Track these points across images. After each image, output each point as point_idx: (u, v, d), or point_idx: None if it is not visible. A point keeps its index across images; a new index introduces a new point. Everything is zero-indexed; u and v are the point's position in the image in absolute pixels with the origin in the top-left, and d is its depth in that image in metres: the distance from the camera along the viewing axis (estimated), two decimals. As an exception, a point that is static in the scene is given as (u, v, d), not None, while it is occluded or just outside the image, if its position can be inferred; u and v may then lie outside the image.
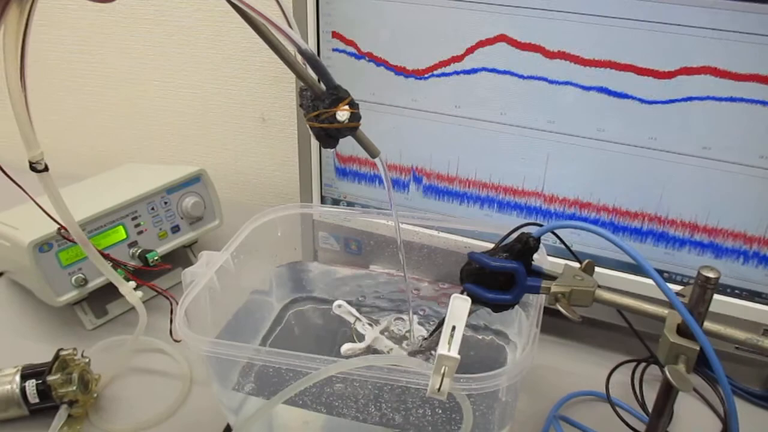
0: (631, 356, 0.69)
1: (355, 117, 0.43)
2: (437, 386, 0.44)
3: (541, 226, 0.52)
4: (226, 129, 1.09)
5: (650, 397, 0.65)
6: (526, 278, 0.49)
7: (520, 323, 0.64)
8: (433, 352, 0.59)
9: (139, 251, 0.76)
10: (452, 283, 0.70)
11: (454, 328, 0.46)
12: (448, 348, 0.45)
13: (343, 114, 0.42)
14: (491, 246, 0.54)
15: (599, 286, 0.48)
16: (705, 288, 0.42)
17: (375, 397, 0.54)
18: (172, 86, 1.08)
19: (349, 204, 0.79)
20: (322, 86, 0.44)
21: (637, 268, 0.66)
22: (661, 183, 0.62)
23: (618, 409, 0.62)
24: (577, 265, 0.51)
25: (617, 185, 0.64)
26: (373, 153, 0.51)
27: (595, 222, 0.66)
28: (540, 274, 0.51)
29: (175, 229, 0.82)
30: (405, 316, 0.66)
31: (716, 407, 0.64)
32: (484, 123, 0.67)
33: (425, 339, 0.61)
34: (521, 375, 0.46)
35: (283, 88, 1.01)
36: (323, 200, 0.80)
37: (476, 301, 0.50)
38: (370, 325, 0.64)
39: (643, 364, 0.68)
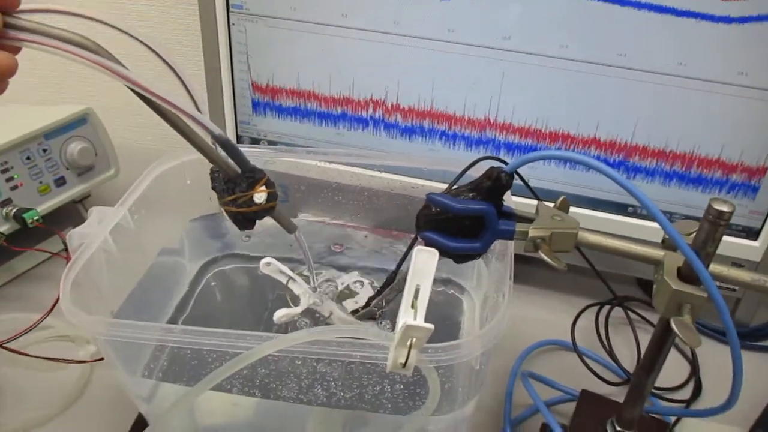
0: (594, 299, 0.64)
1: (272, 197, 0.42)
2: (402, 360, 0.36)
3: (499, 160, 0.44)
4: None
5: (616, 342, 0.60)
6: (498, 222, 0.41)
7: (479, 273, 0.56)
8: (383, 311, 0.51)
9: (14, 211, 0.63)
10: (397, 230, 0.61)
11: (418, 288, 0.37)
12: (414, 315, 0.36)
13: (260, 196, 0.41)
14: (442, 186, 0.45)
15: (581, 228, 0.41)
16: (717, 224, 0.35)
17: (321, 375, 0.45)
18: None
19: (271, 143, 0.68)
20: (236, 167, 0.41)
21: (598, 204, 0.60)
22: (630, 106, 0.55)
23: (586, 359, 0.57)
24: (551, 204, 0.44)
25: (582, 111, 0.57)
26: (290, 229, 0.47)
27: (555, 153, 0.59)
28: (512, 216, 0.43)
29: (60, 182, 0.68)
30: (347, 273, 0.57)
31: (683, 350, 0.60)
32: (429, 42, 0.57)
33: (372, 297, 0.52)
34: (498, 338, 0.38)
35: (184, 11, 0.87)
36: (240, 140, 0.69)
37: (437, 251, 0.41)
38: (308, 285, 0.54)
39: (607, 307, 0.63)
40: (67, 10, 0.35)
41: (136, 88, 0.34)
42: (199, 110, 0.38)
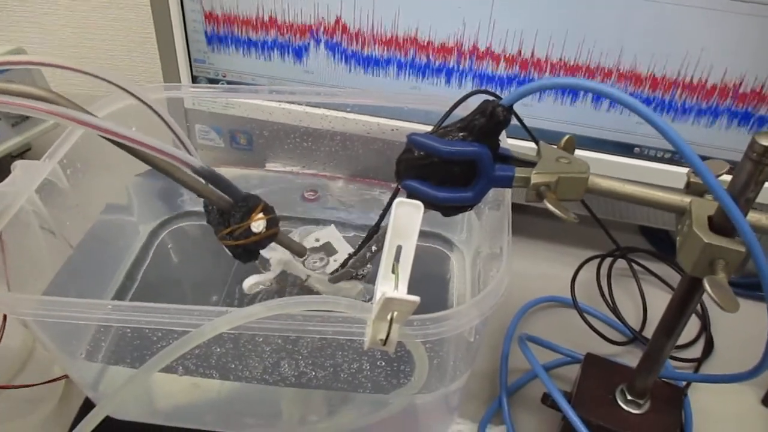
0: (595, 251, 0.58)
1: (272, 222, 0.39)
2: (382, 336, 0.30)
3: (493, 94, 0.37)
4: (56, -1, 0.83)
5: (619, 297, 0.55)
6: (493, 166, 0.34)
7: (470, 224, 0.50)
8: (362, 271, 0.44)
9: (-64, 167, 0.55)
10: (376, 179, 0.55)
11: (399, 249, 0.31)
12: (395, 282, 0.30)
13: (258, 224, 0.38)
14: (426, 128, 0.38)
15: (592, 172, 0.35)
16: (761, 164, 0.29)
17: (288, 353, 0.39)
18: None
19: (231, 84, 0.60)
20: (228, 197, 0.38)
21: (599, 144, 0.54)
22: (634, 29, 0.48)
23: (587, 316, 0.52)
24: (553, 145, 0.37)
25: (586, 36, 0.49)
26: (300, 253, 0.44)
27: (552, 87, 0.52)
28: (510, 160, 0.36)
29: (-9, 134, 0.60)
30: (322, 228, 0.50)
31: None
32: (407, -43, 0.49)
33: (351, 255, 0.46)
34: (496, 306, 0.32)
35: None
36: (195, 81, 0.61)
37: (422, 203, 0.35)
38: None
39: (609, 260, 0.57)
40: (32, 60, 0.32)
41: (107, 135, 0.32)
42: (186, 148, 0.37)
